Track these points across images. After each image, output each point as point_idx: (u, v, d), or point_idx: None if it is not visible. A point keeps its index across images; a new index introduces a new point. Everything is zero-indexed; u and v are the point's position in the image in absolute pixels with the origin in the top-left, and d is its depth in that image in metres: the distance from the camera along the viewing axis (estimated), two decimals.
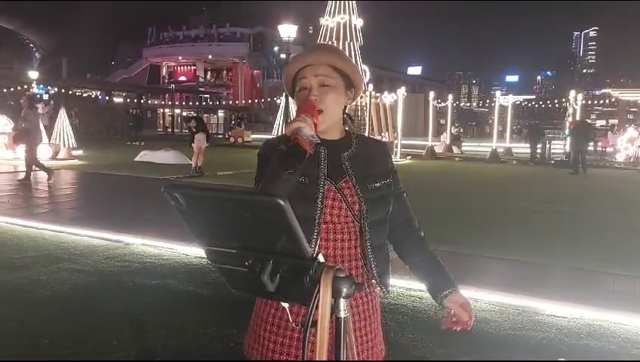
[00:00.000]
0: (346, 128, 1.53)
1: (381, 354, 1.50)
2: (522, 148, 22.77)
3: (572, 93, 21.17)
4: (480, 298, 4.28)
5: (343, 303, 0.93)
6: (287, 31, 21.66)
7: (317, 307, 0.89)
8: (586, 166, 16.14)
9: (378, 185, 1.45)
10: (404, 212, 1.55)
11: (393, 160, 1.61)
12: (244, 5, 64.84)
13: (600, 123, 68.10)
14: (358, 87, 1.52)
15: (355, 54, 23.48)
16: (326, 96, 1.41)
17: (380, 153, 1.54)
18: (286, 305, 1.14)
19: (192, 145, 12.80)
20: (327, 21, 24.21)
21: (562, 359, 3.27)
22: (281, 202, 0.83)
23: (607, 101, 36.77)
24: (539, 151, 21.22)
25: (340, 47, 20.51)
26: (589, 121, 16.31)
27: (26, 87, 22.56)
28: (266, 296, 1.00)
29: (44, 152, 15.58)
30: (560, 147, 21.40)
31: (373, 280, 1.46)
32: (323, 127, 1.37)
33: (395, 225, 1.53)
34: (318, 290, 0.89)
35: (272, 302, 1.39)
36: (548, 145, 21.07)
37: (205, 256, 1.01)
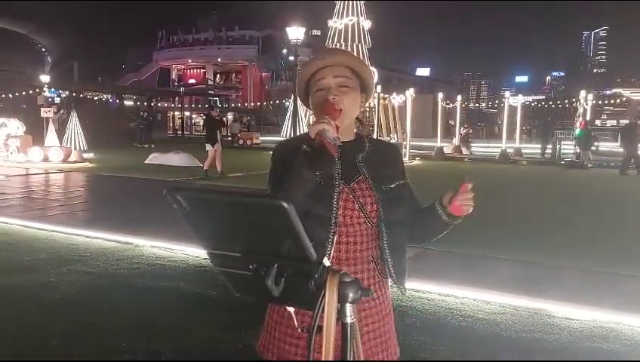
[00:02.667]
0: (356, 131, 1.53)
1: (395, 357, 1.48)
2: (532, 149, 22.57)
3: (582, 93, 20.97)
4: (491, 299, 4.24)
5: (349, 308, 0.91)
6: (295, 33, 21.71)
7: (322, 312, 0.87)
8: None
9: (393, 185, 1.47)
10: (418, 204, 1.57)
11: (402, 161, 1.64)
12: (253, 8, 65.11)
13: (610, 123, 67.25)
14: (369, 93, 1.54)
15: (364, 56, 23.46)
16: (345, 97, 1.43)
17: (392, 155, 1.57)
18: (291, 309, 1.13)
19: (212, 147, 12.52)
20: (336, 23, 24.23)
21: (575, 361, 3.23)
22: (285, 205, 0.81)
23: (617, 101, 36.39)
24: (549, 151, 21.01)
25: (349, 49, 20.61)
26: (639, 123, 16.00)
27: (37, 90, 22.75)
28: (271, 300, 0.98)
29: (55, 155, 15.75)
30: (570, 147, 21.21)
31: (390, 281, 1.45)
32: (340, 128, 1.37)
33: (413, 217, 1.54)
34: (324, 295, 0.87)
35: None
36: (558, 146, 20.91)
37: (209, 259, 0.99)
